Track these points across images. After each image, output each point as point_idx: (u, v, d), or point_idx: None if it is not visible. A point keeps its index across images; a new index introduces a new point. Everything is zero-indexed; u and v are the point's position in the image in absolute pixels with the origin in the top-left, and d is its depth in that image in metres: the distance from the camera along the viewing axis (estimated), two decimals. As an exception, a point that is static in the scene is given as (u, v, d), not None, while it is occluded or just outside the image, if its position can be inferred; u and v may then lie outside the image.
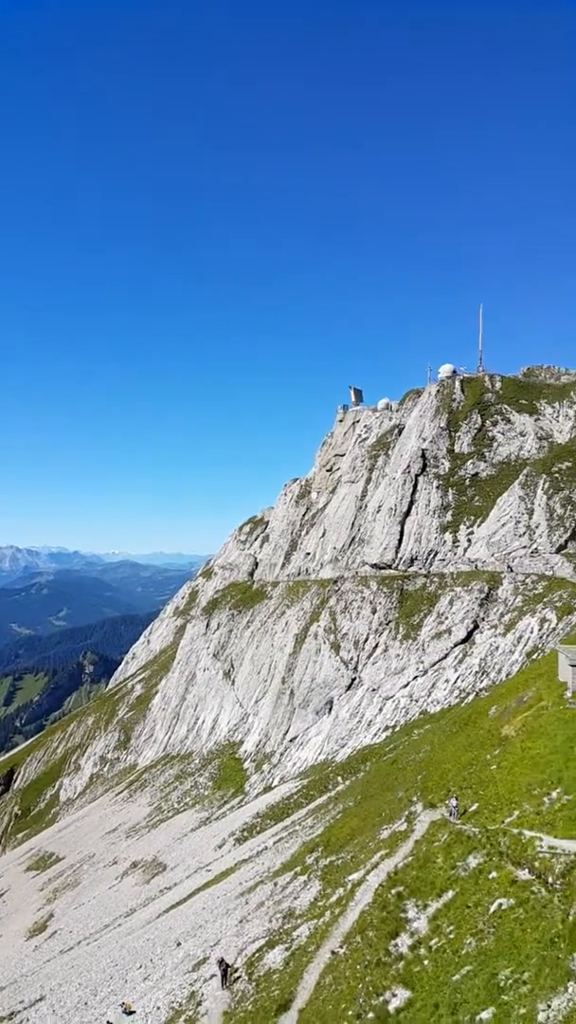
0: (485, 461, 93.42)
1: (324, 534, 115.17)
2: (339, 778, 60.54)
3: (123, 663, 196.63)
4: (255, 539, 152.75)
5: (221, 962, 26.81)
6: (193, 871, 59.13)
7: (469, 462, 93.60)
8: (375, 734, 67.07)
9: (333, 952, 22.84)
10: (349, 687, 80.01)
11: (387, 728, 66.17)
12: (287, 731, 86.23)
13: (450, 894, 20.58)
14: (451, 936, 18.35)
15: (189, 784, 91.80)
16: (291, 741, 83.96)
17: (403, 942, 19.96)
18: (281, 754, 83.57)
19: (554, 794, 22.54)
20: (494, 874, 19.70)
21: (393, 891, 23.27)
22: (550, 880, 17.31)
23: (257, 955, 27.24)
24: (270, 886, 38.72)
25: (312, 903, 29.76)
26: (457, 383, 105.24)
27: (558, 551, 72.96)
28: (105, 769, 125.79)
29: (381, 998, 17.91)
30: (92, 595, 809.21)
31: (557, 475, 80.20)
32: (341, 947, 22.81)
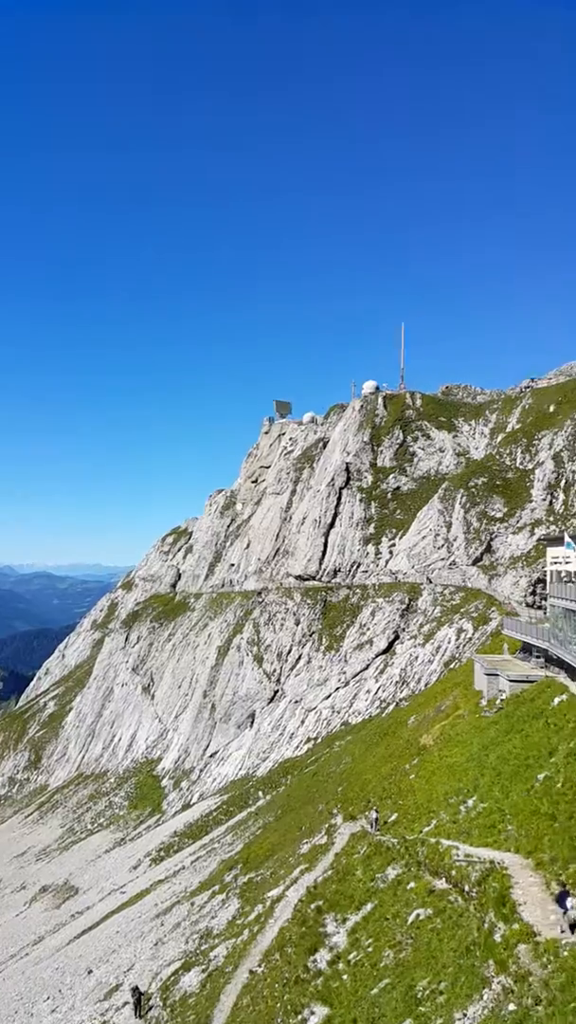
0: (406, 475, 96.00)
1: (249, 545, 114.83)
2: (260, 793, 59.98)
3: (35, 679, 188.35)
4: (179, 550, 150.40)
5: (135, 990, 25.79)
6: (107, 894, 56.90)
7: (391, 476, 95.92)
8: (297, 747, 66.99)
9: (251, 971, 22.37)
10: (272, 699, 79.70)
11: (309, 740, 66.24)
12: (207, 746, 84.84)
13: (369, 907, 20.58)
14: (370, 949, 18.30)
15: (103, 804, 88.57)
16: (211, 756, 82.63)
17: (322, 958, 19.78)
18: (201, 770, 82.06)
19: (470, 802, 23.02)
20: (412, 884, 19.84)
21: (312, 906, 23.08)
22: (466, 888, 17.55)
23: (172, 979, 26.36)
24: (187, 906, 37.71)
25: (230, 922, 29.16)
26: (380, 399, 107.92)
27: (474, 563, 75.64)
28: (14, 790, 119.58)
29: (299, 1016, 17.62)
30: (3, 608, 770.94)
31: (473, 490, 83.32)
32: (260, 966, 22.37)
